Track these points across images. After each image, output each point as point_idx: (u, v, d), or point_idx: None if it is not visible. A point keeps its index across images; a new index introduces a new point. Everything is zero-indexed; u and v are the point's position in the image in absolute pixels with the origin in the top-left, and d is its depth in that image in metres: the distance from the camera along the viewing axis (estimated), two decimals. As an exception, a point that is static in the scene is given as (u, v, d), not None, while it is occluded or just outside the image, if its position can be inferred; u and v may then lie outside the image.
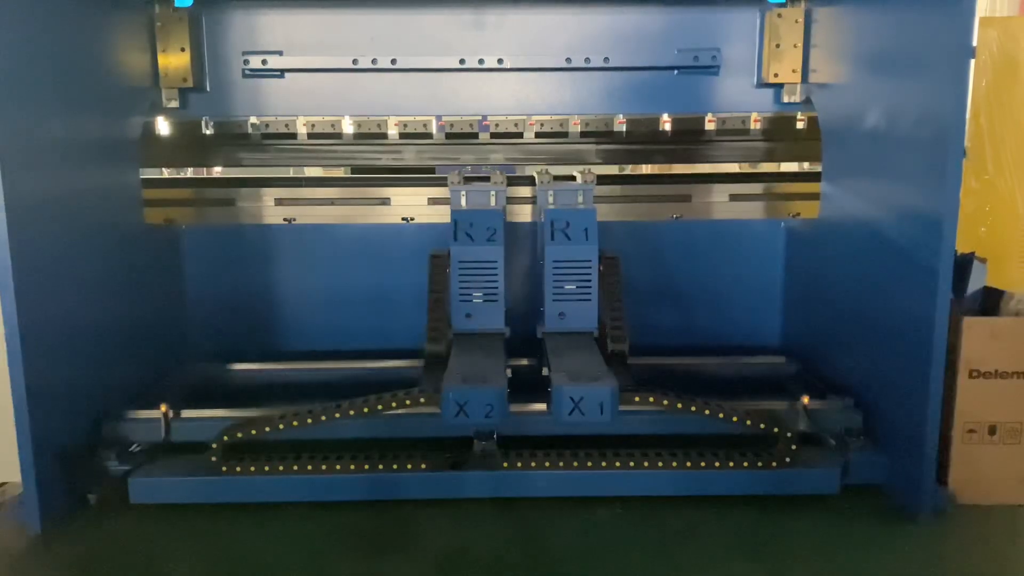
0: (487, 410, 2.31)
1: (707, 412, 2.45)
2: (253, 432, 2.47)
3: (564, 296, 2.88)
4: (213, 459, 2.47)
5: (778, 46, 3.17)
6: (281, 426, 2.46)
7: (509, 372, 2.55)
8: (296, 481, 2.49)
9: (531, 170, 3.40)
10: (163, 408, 2.59)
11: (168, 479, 2.50)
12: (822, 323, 3.09)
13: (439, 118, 3.31)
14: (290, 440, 2.54)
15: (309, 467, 2.49)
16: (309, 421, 2.46)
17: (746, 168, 3.56)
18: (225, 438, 2.47)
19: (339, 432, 2.55)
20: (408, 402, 2.43)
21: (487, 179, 3.29)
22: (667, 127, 3.34)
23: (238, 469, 2.48)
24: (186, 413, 2.64)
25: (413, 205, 3.38)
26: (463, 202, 3.09)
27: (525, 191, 3.36)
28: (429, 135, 3.35)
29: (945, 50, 2.23)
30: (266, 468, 2.49)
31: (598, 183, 3.26)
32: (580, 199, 3.08)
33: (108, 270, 2.75)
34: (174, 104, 3.16)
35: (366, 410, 2.45)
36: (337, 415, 2.46)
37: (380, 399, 2.46)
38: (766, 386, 3.07)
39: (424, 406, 2.44)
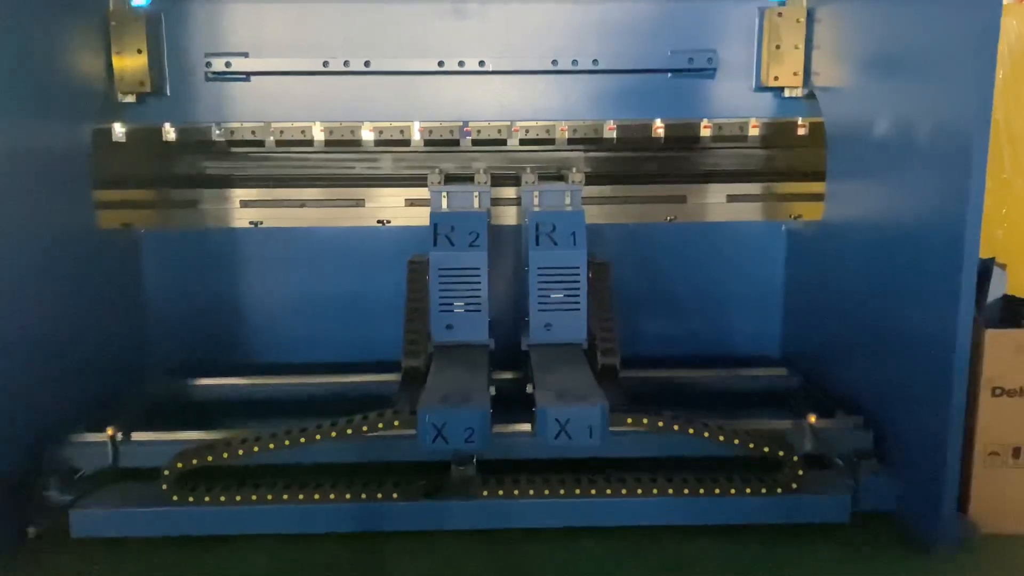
0: (467, 434, 2.10)
1: (706, 434, 2.24)
2: (209, 459, 2.24)
3: (550, 306, 2.67)
4: (164, 487, 2.25)
5: (778, 47, 2.98)
6: (240, 452, 2.24)
7: (493, 390, 2.34)
8: (255, 512, 2.27)
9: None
10: (109, 431, 2.36)
11: (114, 511, 2.28)
12: (826, 333, 2.89)
13: (417, 124, 3.11)
14: (252, 465, 2.32)
15: (269, 496, 2.27)
16: (271, 446, 2.24)
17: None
18: (179, 465, 2.24)
19: (307, 456, 2.33)
20: (381, 425, 2.22)
21: (470, 179, 3.08)
22: (660, 134, 3.14)
23: (191, 499, 2.26)
24: (136, 436, 2.42)
25: (389, 207, 3.17)
26: (444, 204, 2.88)
27: (510, 192, 3.15)
28: (407, 142, 3.14)
29: (966, 42, 2.03)
30: (222, 498, 2.26)
31: (587, 183, 3.05)
32: (567, 200, 2.87)
33: (55, 278, 2.53)
34: (131, 109, 2.96)
35: (334, 434, 2.23)
36: (302, 440, 2.24)
37: (350, 422, 2.24)
38: (767, 401, 2.89)
39: (399, 429, 2.22)
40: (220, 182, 3.15)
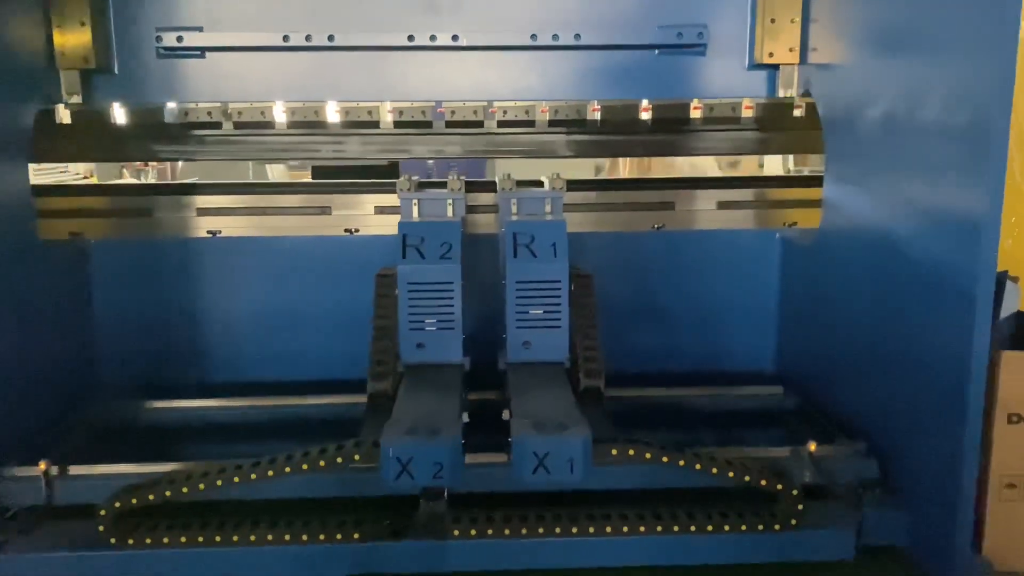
0: (436, 469, 1.90)
1: (698, 467, 2.05)
2: (150, 497, 2.03)
3: (529, 322, 2.47)
4: (101, 528, 2.03)
5: (773, 21, 2.75)
6: (185, 489, 2.03)
7: (466, 416, 2.14)
8: (202, 555, 2.05)
9: (494, 162, 3.00)
10: (42, 466, 2.14)
11: (45, 555, 2.04)
12: (824, 349, 2.70)
13: (387, 104, 2.89)
14: (204, 501, 2.11)
15: (218, 537, 2.05)
16: (219, 483, 2.03)
17: (737, 172, 3.19)
18: (117, 504, 2.03)
19: (262, 492, 2.11)
20: (340, 460, 2.01)
21: (443, 185, 2.87)
22: (647, 115, 2.94)
23: (131, 541, 2.04)
24: (74, 470, 2.20)
25: (357, 214, 2.96)
26: (415, 212, 2.68)
27: (488, 198, 2.95)
28: (375, 124, 2.93)
29: (985, 17, 1.83)
30: (165, 540, 2.04)
31: (568, 188, 2.86)
32: (548, 208, 2.68)
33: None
34: (74, 90, 2.69)
35: (288, 470, 2.02)
36: (253, 476, 2.03)
37: (307, 456, 2.03)
38: (762, 422, 2.72)
39: (360, 464, 2.01)
40: (178, 190, 2.94)
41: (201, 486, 2.02)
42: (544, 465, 1.90)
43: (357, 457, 2.00)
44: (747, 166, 8.28)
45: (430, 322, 2.46)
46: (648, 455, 2.03)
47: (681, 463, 2.04)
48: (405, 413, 2.12)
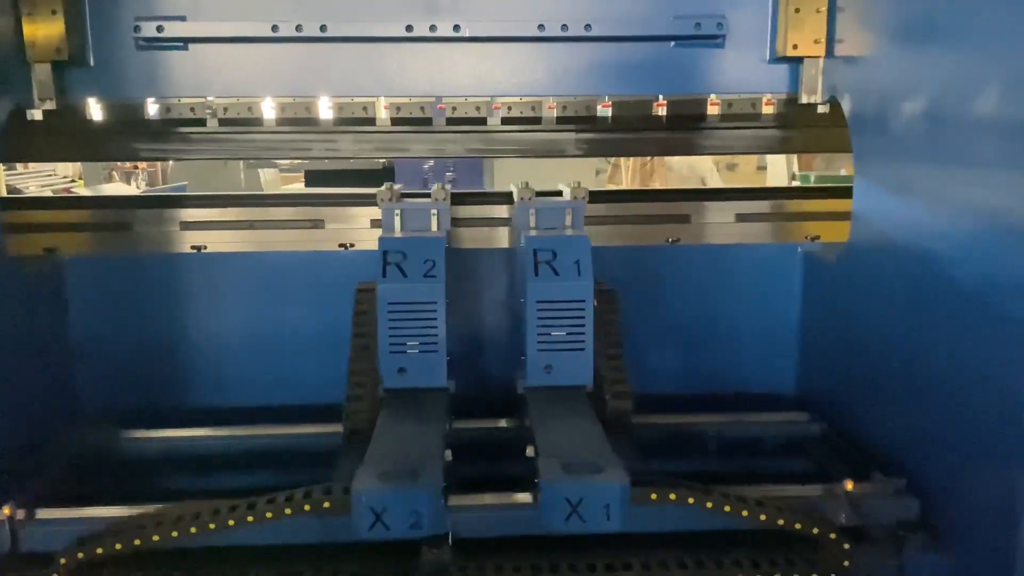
0: (413, 519, 1.74)
1: (744, 513, 1.87)
2: (117, 546, 1.84)
3: (551, 345, 2.30)
4: (63, 582, 1.85)
5: (797, 11, 2.54)
6: (156, 537, 1.85)
7: (449, 454, 1.98)
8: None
9: (492, 166, 2.84)
10: (7, 511, 1.94)
11: (2, 611, 1.87)
12: (852, 374, 2.51)
13: (383, 100, 2.75)
14: (175, 549, 1.91)
15: (190, 591, 1.87)
16: (193, 530, 1.84)
17: (736, 174, 3.03)
18: (80, 555, 1.84)
19: (243, 537, 1.91)
20: (308, 507, 1.83)
21: (427, 195, 2.69)
22: (662, 112, 2.78)
23: (94, 595, 1.85)
24: (43, 513, 2.00)
25: (352, 228, 2.79)
26: (397, 225, 2.51)
27: (502, 210, 2.79)
28: (371, 120, 2.78)
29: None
30: (132, 593, 1.86)
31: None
32: (568, 220, 2.52)
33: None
34: (46, 84, 2.49)
35: (251, 519, 1.84)
36: (212, 526, 1.84)
37: (271, 502, 1.85)
38: (788, 452, 2.54)
39: (330, 512, 1.83)
40: (160, 202, 2.77)
41: (175, 533, 1.84)
42: (578, 512, 1.74)
43: (327, 505, 1.82)
44: (745, 169, 8.12)
45: (412, 344, 2.30)
46: (691, 499, 1.85)
47: (727, 508, 1.86)
48: (381, 451, 1.95)
